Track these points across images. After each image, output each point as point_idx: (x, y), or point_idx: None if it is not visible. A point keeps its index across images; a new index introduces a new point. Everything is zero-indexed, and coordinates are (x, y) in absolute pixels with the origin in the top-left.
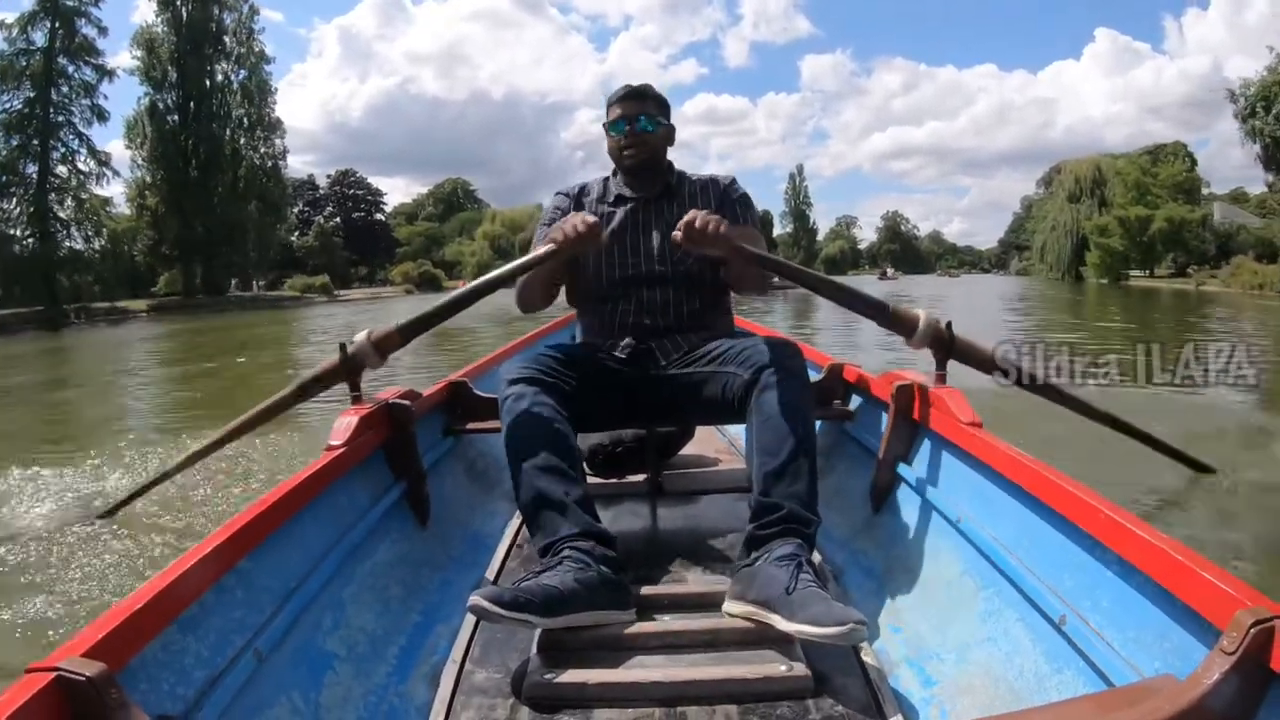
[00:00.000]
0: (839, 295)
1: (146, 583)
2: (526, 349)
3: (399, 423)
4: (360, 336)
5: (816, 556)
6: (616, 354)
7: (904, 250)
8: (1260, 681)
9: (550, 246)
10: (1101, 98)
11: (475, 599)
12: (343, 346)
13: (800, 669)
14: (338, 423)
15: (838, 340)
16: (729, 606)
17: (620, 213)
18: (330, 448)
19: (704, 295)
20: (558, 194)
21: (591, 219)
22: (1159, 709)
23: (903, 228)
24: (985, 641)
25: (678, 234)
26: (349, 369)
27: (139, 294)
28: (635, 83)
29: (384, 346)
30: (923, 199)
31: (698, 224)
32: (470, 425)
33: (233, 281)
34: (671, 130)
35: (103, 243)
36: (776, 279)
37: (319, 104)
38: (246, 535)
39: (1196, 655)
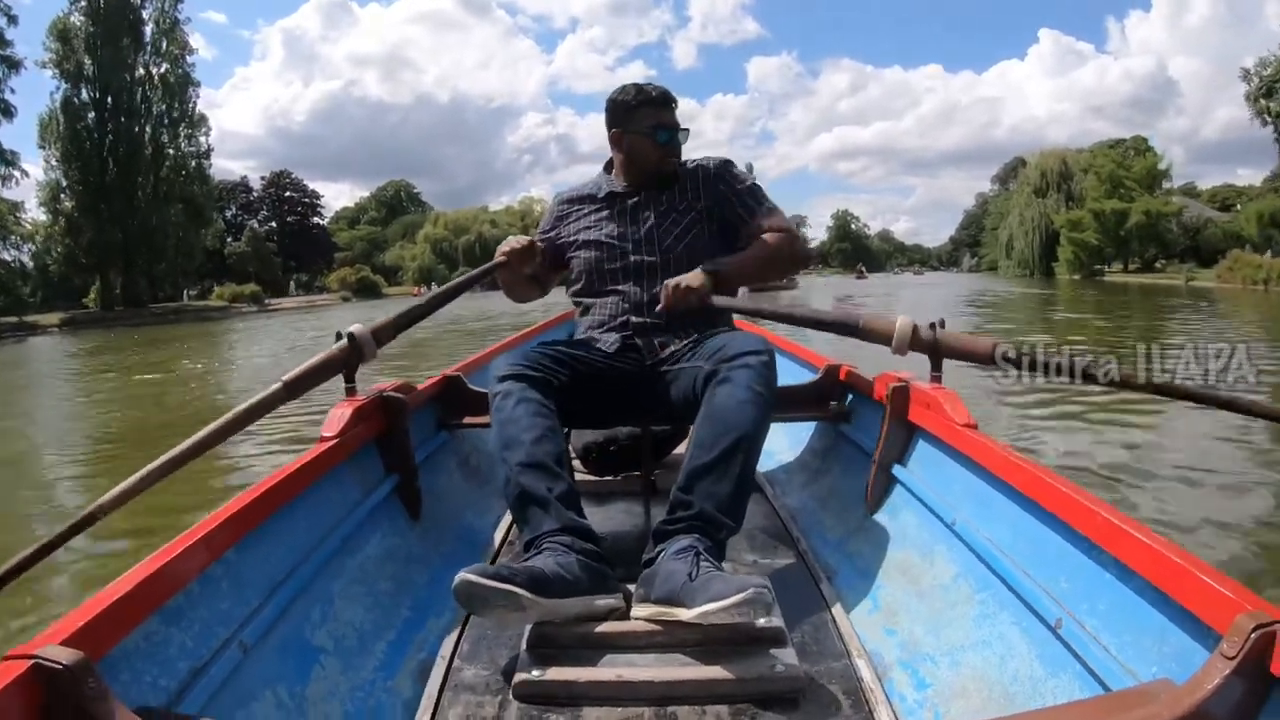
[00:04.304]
0: (812, 322)
1: (129, 571)
2: (521, 345)
3: (392, 416)
4: (357, 327)
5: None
6: (604, 349)
7: (855, 249)
8: (1261, 687)
9: (500, 260)
10: (1045, 97)
11: (461, 575)
12: (350, 336)
13: (792, 670)
14: (331, 414)
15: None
16: (636, 611)
17: (607, 208)
18: (322, 439)
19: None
20: (553, 205)
21: (525, 240)
22: (1157, 714)
23: (853, 226)
24: (980, 644)
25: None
26: (349, 359)
27: (57, 307)
28: (648, 83)
29: (381, 337)
30: (869, 198)
31: (674, 299)
32: (464, 420)
33: (158, 292)
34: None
35: (16, 252)
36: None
37: (262, 108)
38: (234, 525)
39: (1195, 660)
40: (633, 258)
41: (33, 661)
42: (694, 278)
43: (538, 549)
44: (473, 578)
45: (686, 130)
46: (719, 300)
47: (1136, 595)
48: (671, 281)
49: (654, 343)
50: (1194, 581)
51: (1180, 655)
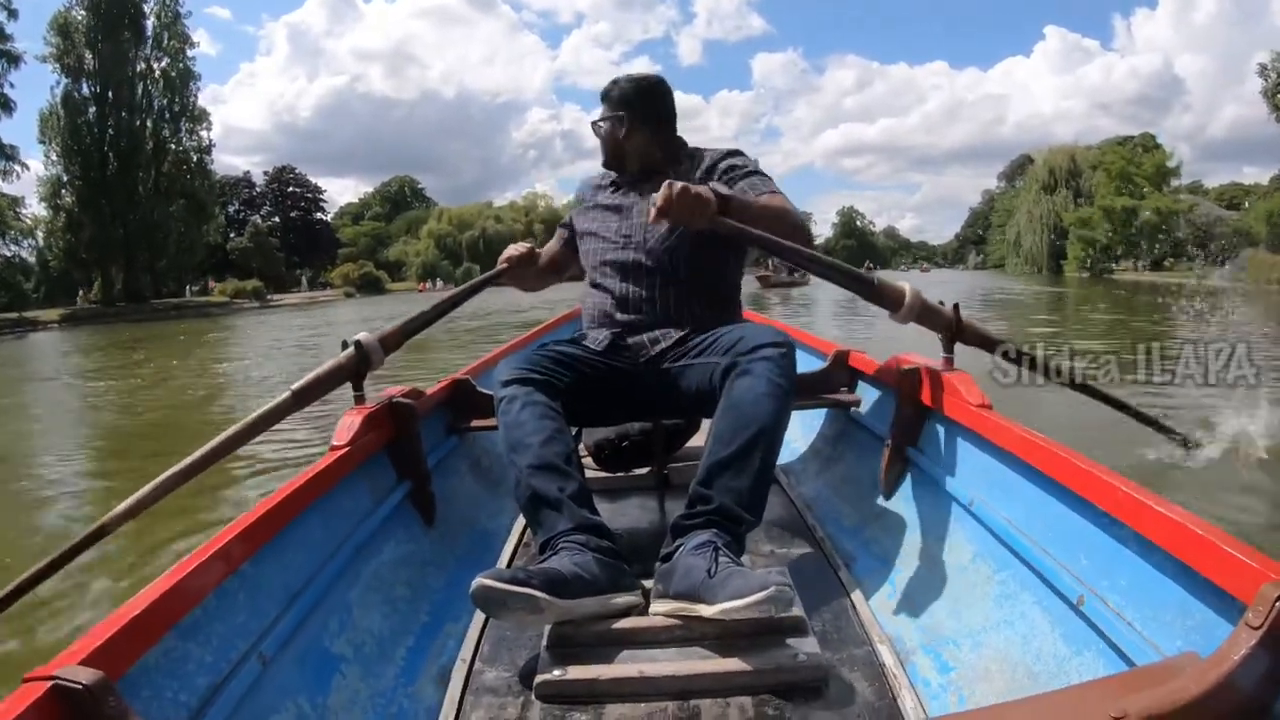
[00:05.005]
0: (826, 271)
1: (147, 588)
2: (525, 348)
3: (403, 422)
4: (364, 335)
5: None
6: (595, 347)
7: (860, 246)
8: None
9: (502, 266)
10: (1052, 94)
11: (478, 580)
12: (358, 344)
13: (814, 659)
14: (341, 423)
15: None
16: (655, 607)
17: (610, 198)
18: (334, 448)
19: (691, 286)
20: (580, 189)
21: (525, 247)
22: (1185, 688)
23: (858, 223)
24: (1002, 625)
25: (651, 210)
26: (357, 367)
27: (60, 303)
28: (621, 76)
29: (388, 344)
30: (874, 195)
31: (668, 199)
32: (474, 423)
33: (162, 288)
34: (624, 122)
35: (16, 248)
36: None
37: (267, 104)
38: (249, 538)
39: (1220, 632)
40: (621, 254)
41: (52, 682)
42: (704, 189)
43: (553, 549)
44: (489, 582)
45: (602, 122)
46: (726, 223)
47: (1158, 569)
48: (677, 184)
49: (644, 340)
50: (1216, 552)
51: (1205, 627)
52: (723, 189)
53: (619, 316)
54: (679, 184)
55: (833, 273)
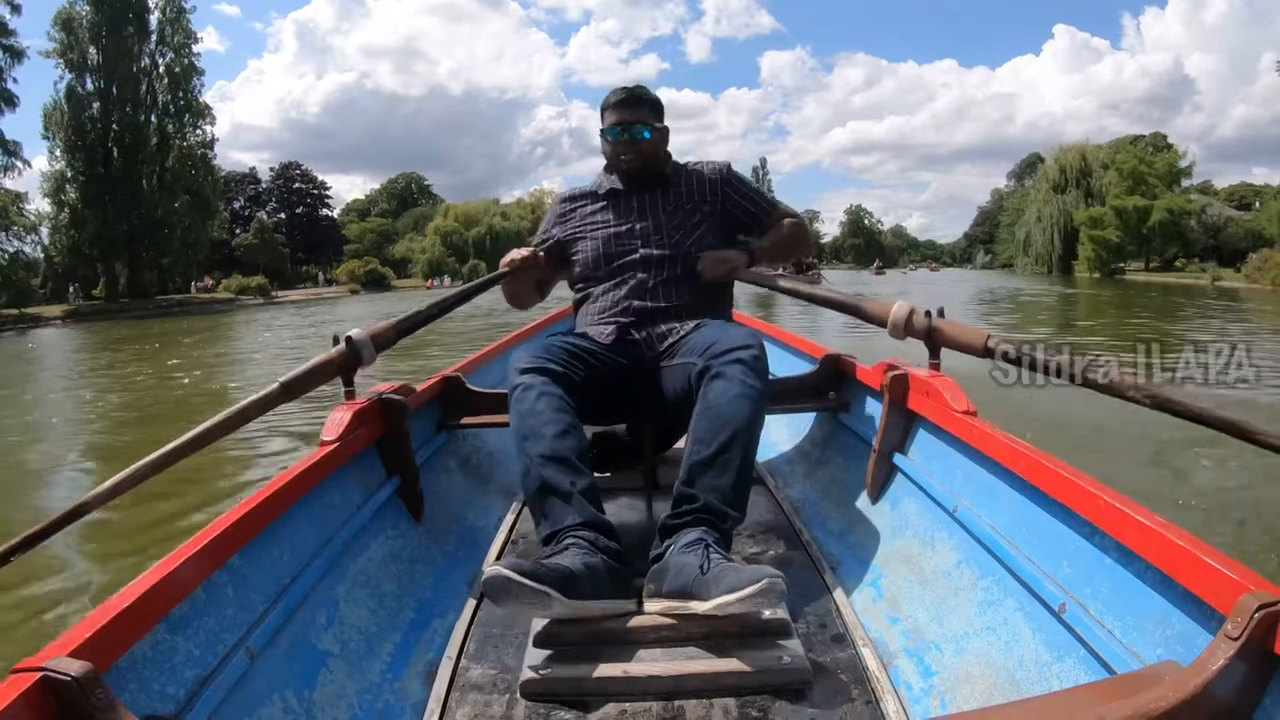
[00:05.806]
0: (819, 300)
1: (135, 581)
2: (528, 340)
3: (393, 418)
4: (356, 331)
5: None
6: (601, 341)
7: (868, 244)
8: (1265, 667)
9: (504, 270)
10: (1061, 93)
11: (495, 568)
12: (348, 339)
13: (798, 661)
14: (330, 418)
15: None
16: (648, 605)
17: (609, 204)
18: (323, 443)
19: (694, 285)
20: (555, 205)
21: (528, 251)
22: (1163, 697)
23: (866, 222)
24: (984, 631)
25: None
26: (347, 363)
27: (65, 298)
28: (630, 85)
29: (379, 341)
30: (882, 194)
31: (714, 268)
32: (464, 420)
33: (168, 284)
34: (666, 132)
35: (19, 243)
36: None
37: (275, 100)
38: (237, 532)
39: (1200, 642)
40: (641, 250)
41: (41, 674)
42: (734, 255)
43: (559, 543)
44: (507, 573)
45: (646, 125)
46: (749, 273)
47: (1139, 578)
48: (713, 255)
49: (656, 332)
50: (1197, 563)
51: (1184, 637)
52: (756, 244)
53: (635, 304)
54: (707, 258)
55: (825, 301)
